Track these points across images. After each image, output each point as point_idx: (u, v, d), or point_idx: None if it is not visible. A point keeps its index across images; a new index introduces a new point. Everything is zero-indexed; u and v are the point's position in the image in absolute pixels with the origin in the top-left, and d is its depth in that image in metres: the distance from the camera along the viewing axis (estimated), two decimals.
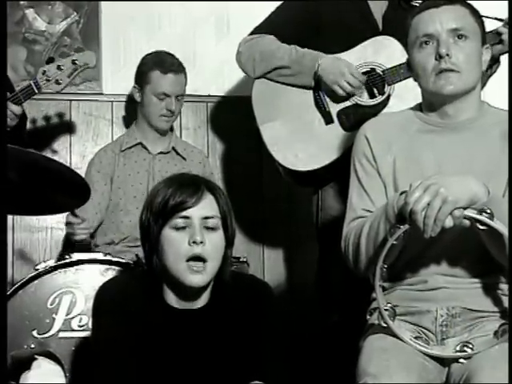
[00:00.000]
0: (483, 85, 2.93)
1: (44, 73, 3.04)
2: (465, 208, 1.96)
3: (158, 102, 3.40)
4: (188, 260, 2.07)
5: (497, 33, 2.84)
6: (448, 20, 2.22)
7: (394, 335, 2.08)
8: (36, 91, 3.03)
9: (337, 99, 3.00)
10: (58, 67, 3.05)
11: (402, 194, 2.04)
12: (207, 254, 2.08)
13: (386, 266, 2.04)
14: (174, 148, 3.49)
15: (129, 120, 3.59)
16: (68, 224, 3.11)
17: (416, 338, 2.10)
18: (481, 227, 1.97)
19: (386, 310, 2.08)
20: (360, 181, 2.31)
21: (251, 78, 3.16)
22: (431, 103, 2.30)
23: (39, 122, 3.65)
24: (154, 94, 3.39)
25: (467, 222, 1.98)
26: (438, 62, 2.21)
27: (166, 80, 3.38)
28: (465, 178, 2.00)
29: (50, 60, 3.09)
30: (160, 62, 3.39)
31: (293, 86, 3.07)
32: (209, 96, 3.88)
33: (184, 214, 2.09)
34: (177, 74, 3.40)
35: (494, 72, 2.99)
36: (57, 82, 3.05)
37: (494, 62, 2.91)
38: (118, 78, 3.63)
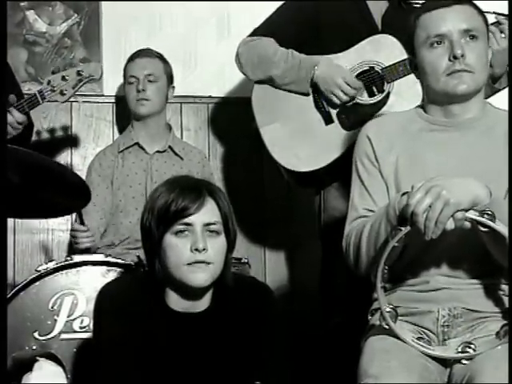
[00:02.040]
0: (487, 97, 2.91)
1: (49, 83, 3.05)
2: (467, 210, 1.96)
3: (129, 88, 3.44)
4: (190, 264, 2.07)
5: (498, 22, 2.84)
6: (460, 20, 2.21)
7: (396, 336, 2.08)
8: (41, 101, 3.05)
9: (332, 106, 3.00)
10: (63, 78, 3.06)
11: (403, 194, 2.04)
12: (210, 259, 2.08)
13: (387, 268, 2.04)
14: (170, 147, 3.49)
15: (129, 121, 3.59)
16: (72, 231, 3.11)
17: (418, 338, 2.09)
18: (483, 229, 1.96)
19: (387, 311, 2.08)
20: (362, 180, 2.31)
21: (250, 80, 3.17)
22: (436, 102, 2.29)
23: (40, 123, 3.65)
24: (126, 82, 3.45)
25: (469, 224, 1.98)
26: (452, 62, 2.19)
27: (132, 65, 3.46)
28: (467, 179, 2.00)
29: (56, 70, 3.11)
30: (131, 56, 3.48)
31: (291, 92, 3.07)
32: (209, 97, 3.88)
33: (186, 220, 2.08)
34: (143, 58, 3.45)
35: (504, 88, 2.97)
36: (61, 93, 3.06)
37: (502, 74, 2.90)
38: (118, 80, 3.63)
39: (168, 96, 3.49)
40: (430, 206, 1.93)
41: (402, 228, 1.99)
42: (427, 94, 2.33)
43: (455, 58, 2.18)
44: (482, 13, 2.28)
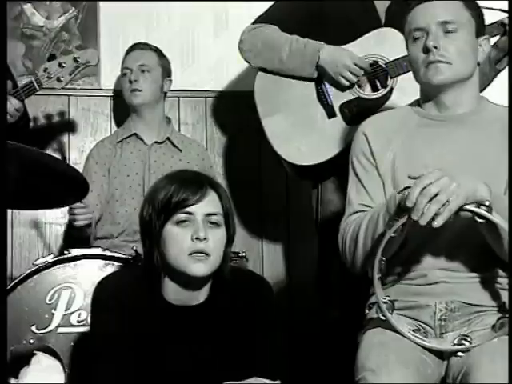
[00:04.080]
0: (491, 79, 2.93)
1: (45, 70, 3.04)
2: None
3: (123, 79, 3.47)
4: (190, 254, 2.07)
5: (501, 23, 2.83)
6: (438, 13, 2.24)
7: (393, 329, 2.09)
8: (37, 88, 3.03)
9: (341, 89, 2.99)
10: (60, 64, 3.05)
11: (403, 190, 2.04)
12: (210, 250, 2.08)
13: (384, 259, 2.04)
14: (169, 139, 3.50)
15: (126, 115, 3.59)
16: (71, 209, 3.12)
17: (414, 330, 2.10)
18: (479, 220, 1.97)
19: (384, 303, 2.08)
20: (358, 177, 2.31)
21: (252, 66, 3.15)
22: (427, 95, 2.32)
23: (38, 117, 3.65)
24: (121, 74, 3.49)
25: (468, 214, 1.98)
26: (427, 54, 2.23)
27: (127, 58, 3.49)
28: (468, 177, 2.00)
29: (52, 57, 3.10)
30: (127, 49, 3.51)
31: (294, 78, 3.06)
32: (207, 91, 3.88)
33: (187, 210, 2.08)
34: (137, 50, 3.47)
35: (505, 67, 2.98)
36: (58, 80, 3.06)
37: (504, 55, 2.90)
38: (116, 73, 3.63)
39: (163, 88, 3.50)
40: (434, 196, 1.93)
41: (399, 219, 1.99)
42: (420, 89, 2.35)
43: (428, 49, 2.22)
44: (471, 5, 2.27)
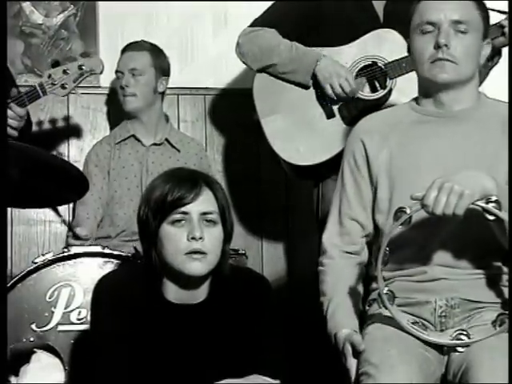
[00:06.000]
0: (485, 76, 2.93)
1: (50, 76, 3.02)
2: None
3: (117, 83, 3.47)
4: (187, 253, 2.07)
5: (500, 25, 2.84)
6: (453, 11, 2.23)
7: (393, 324, 2.09)
8: (41, 95, 3.02)
9: (327, 98, 2.99)
10: (64, 71, 3.03)
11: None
12: (206, 248, 2.08)
13: (388, 250, 2.04)
14: (167, 139, 3.49)
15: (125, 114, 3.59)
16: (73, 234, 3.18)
17: (413, 323, 2.10)
18: (489, 217, 1.96)
19: (385, 293, 2.08)
20: (346, 188, 2.34)
21: (252, 69, 3.16)
22: (426, 91, 2.31)
23: (37, 115, 3.64)
24: (116, 77, 3.49)
25: (477, 208, 1.98)
26: (436, 51, 2.22)
27: (119, 59, 3.47)
28: (474, 172, 2.01)
29: (56, 63, 3.08)
30: (122, 49, 3.49)
31: (290, 83, 3.06)
32: (206, 89, 3.88)
33: (183, 209, 2.08)
34: (130, 52, 3.46)
35: (496, 64, 2.99)
36: (62, 87, 3.04)
37: (496, 53, 2.91)
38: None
39: (158, 88, 3.47)
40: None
41: (408, 210, 1.99)
42: (419, 84, 2.35)
43: (439, 46, 2.21)
44: (481, 6, 2.27)
